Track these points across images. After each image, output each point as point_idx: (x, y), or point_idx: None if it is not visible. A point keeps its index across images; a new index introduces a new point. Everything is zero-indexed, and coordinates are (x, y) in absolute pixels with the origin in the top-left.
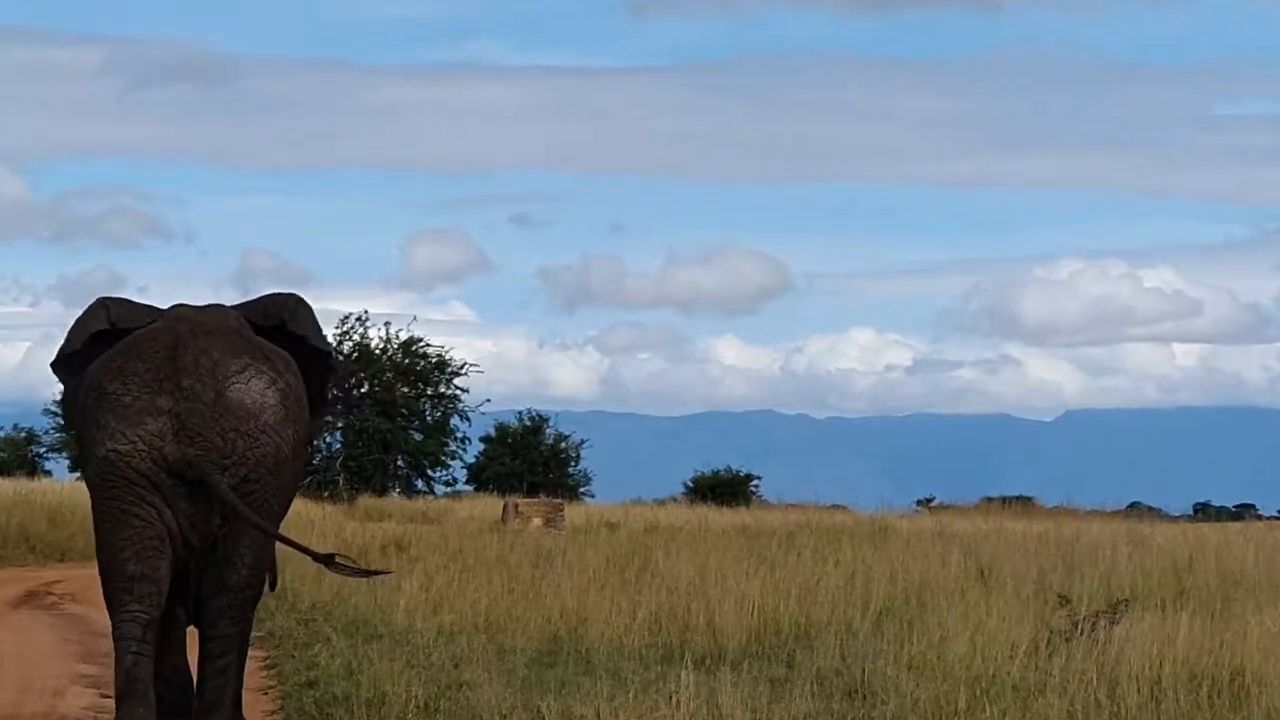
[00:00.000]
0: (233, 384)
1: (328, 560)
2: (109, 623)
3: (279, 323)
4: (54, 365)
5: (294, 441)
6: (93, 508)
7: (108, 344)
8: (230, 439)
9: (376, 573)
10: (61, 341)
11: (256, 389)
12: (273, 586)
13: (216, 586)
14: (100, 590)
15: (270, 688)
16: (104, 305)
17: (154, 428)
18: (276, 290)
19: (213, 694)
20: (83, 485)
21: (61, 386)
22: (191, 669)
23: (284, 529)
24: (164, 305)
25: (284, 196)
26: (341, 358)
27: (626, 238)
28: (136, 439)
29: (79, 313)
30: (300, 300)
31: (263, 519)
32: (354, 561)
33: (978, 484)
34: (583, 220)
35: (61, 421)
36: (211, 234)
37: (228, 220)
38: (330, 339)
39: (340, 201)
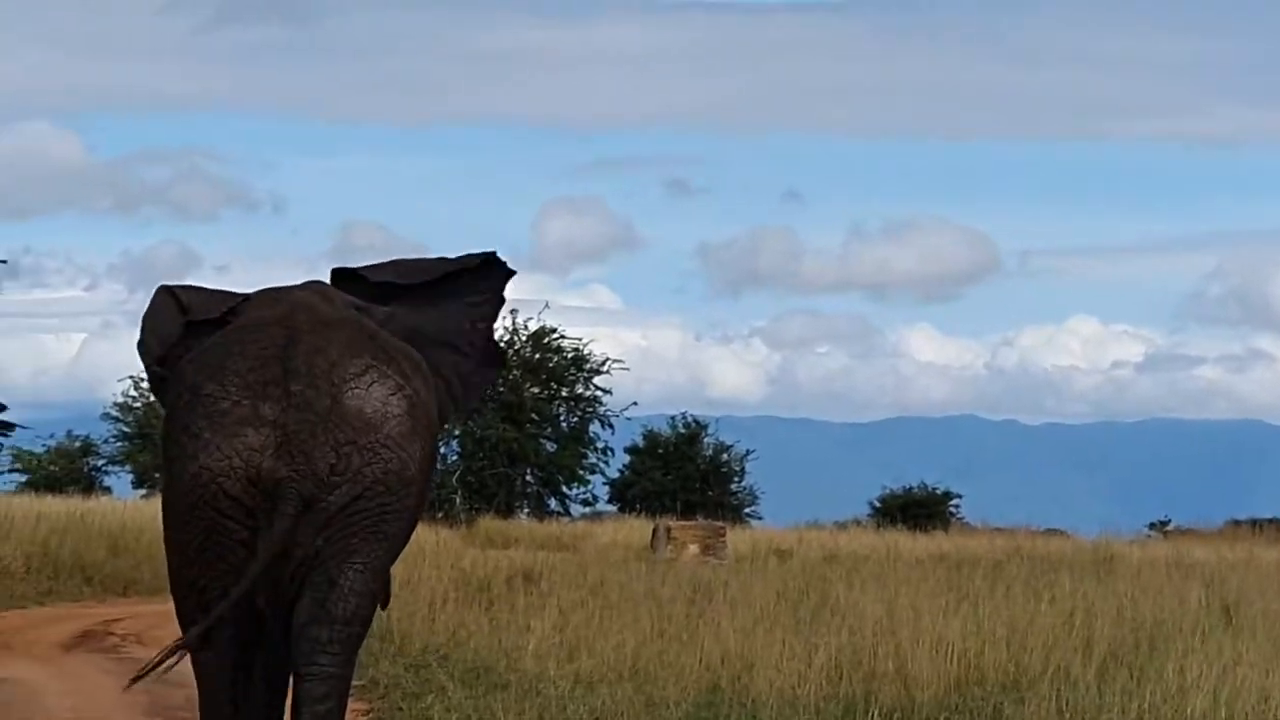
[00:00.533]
0: (351, 389)
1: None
2: (179, 667)
3: (438, 268)
4: (149, 370)
5: (420, 459)
6: (168, 531)
7: (194, 338)
8: (345, 454)
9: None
10: (137, 342)
11: (378, 395)
12: (383, 605)
13: (316, 615)
14: (171, 630)
15: None
16: (169, 293)
17: (254, 440)
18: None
19: None
20: (149, 505)
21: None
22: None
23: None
24: (244, 289)
25: (390, 158)
26: None
27: (802, 208)
28: (233, 454)
29: (143, 298)
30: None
31: (379, 543)
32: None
33: (1223, 503)
34: (750, 187)
35: (125, 429)
36: (303, 203)
37: (323, 187)
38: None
39: (457, 165)
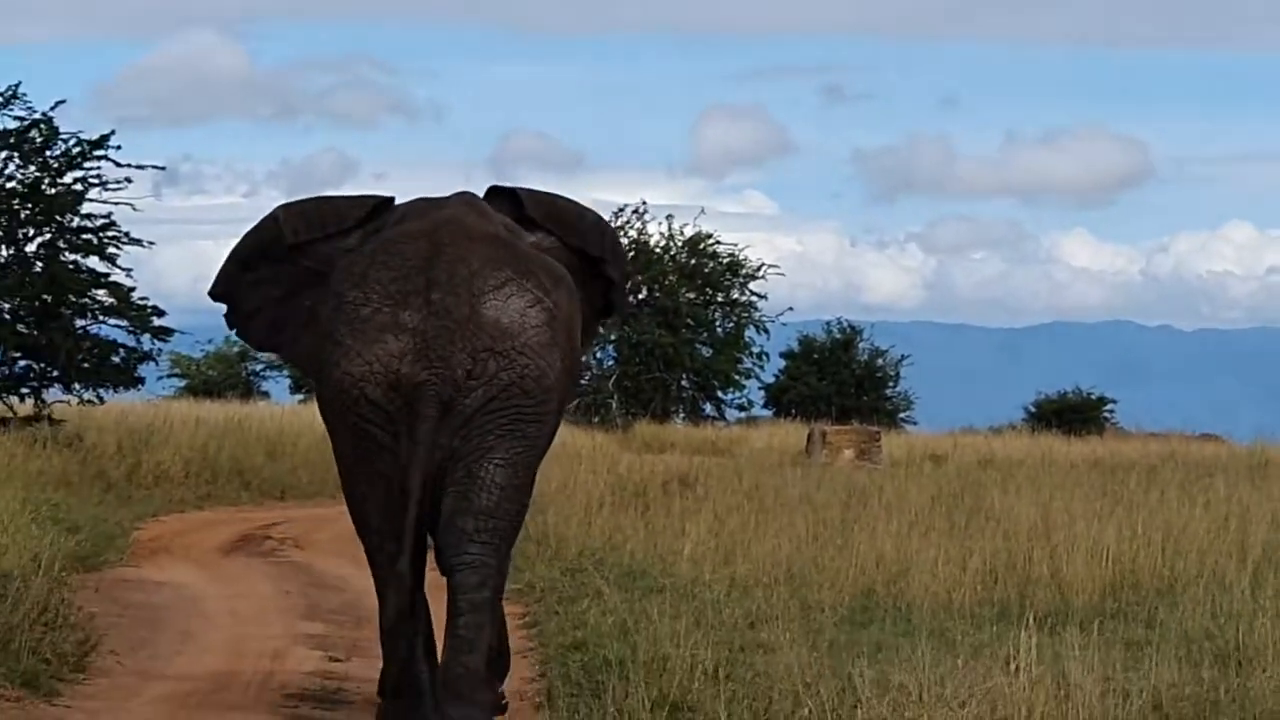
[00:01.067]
0: (490, 299)
1: None
2: (335, 571)
3: (580, 245)
4: (213, 296)
5: (560, 368)
6: (329, 435)
7: (280, 262)
8: (481, 359)
9: None
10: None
11: (516, 307)
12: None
13: (460, 506)
14: (328, 534)
15: (530, 650)
16: (274, 220)
17: (394, 347)
18: (548, 188)
19: (467, 630)
20: (306, 410)
21: (228, 314)
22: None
23: (547, 461)
24: (397, 195)
25: (550, 66)
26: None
27: (958, 114)
28: (373, 359)
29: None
30: (607, 224)
31: (517, 442)
32: None
33: None
34: (906, 93)
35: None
36: (463, 111)
37: (483, 95)
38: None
39: (615, 73)
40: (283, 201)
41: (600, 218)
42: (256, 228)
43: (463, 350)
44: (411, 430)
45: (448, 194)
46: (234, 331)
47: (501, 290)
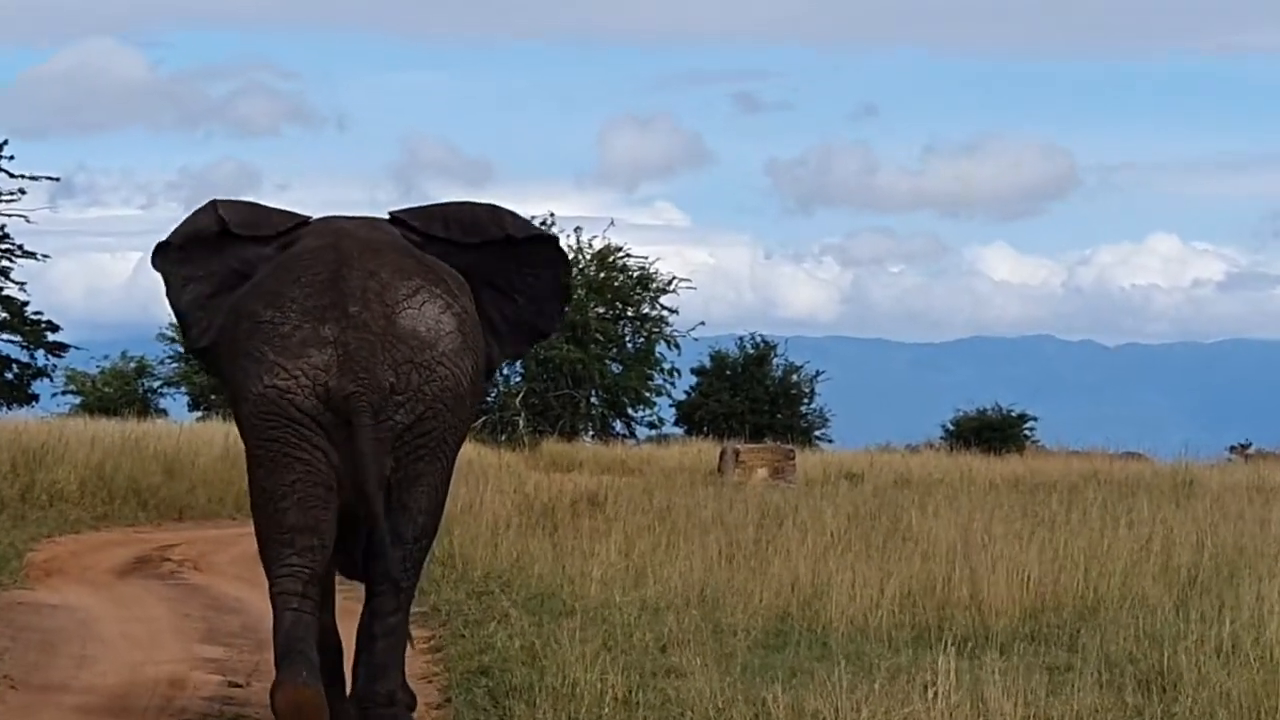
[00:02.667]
0: (404, 309)
1: None
2: (235, 593)
3: (497, 236)
4: (154, 256)
5: (472, 373)
6: (247, 452)
7: (211, 252)
8: (404, 372)
9: None
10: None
11: (430, 314)
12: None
13: (390, 537)
14: (227, 556)
15: (435, 675)
16: (213, 205)
17: (318, 360)
18: (454, 198)
19: (382, 655)
20: (205, 428)
21: (164, 279)
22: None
23: (453, 480)
24: (305, 207)
25: (455, 74)
26: None
27: (877, 122)
28: (299, 373)
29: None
30: (504, 209)
31: (440, 460)
32: None
33: None
34: (823, 101)
35: (181, 349)
36: (366, 119)
37: (387, 103)
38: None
39: (522, 80)
40: (180, 213)
41: (493, 206)
42: (192, 216)
43: (384, 362)
44: (354, 442)
45: (349, 216)
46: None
47: (414, 299)
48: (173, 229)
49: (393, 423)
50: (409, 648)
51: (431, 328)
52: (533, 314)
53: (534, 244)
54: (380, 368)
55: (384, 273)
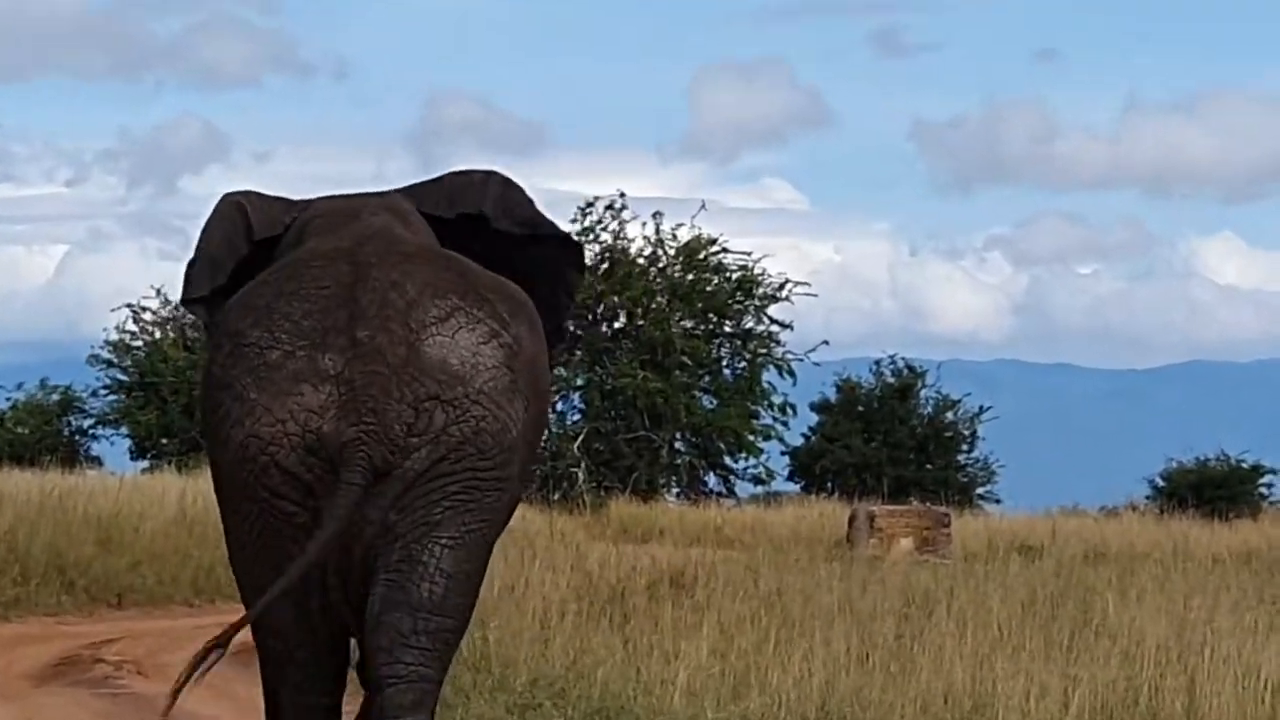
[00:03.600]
0: (433, 335)
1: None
2: (196, 708)
3: (473, 213)
4: (189, 302)
5: (524, 421)
6: (222, 515)
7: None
8: (425, 411)
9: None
10: (186, 265)
11: (467, 344)
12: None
13: (395, 600)
14: (183, 657)
15: None
16: (240, 208)
17: (312, 401)
18: (468, 169)
19: None
20: (153, 482)
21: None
22: None
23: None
24: (295, 182)
25: (493, 5)
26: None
27: (1058, 71)
28: (286, 417)
29: (148, 197)
30: (506, 179)
31: (469, 516)
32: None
33: None
34: (987, 43)
35: (120, 376)
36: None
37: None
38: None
39: (584, 15)
40: (119, 192)
41: (495, 175)
42: (220, 215)
43: (401, 401)
44: (328, 499)
45: (363, 191)
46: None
47: (447, 323)
48: (197, 254)
49: (403, 470)
50: None
51: (468, 359)
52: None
53: (532, 245)
54: (393, 408)
55: (411, 285)
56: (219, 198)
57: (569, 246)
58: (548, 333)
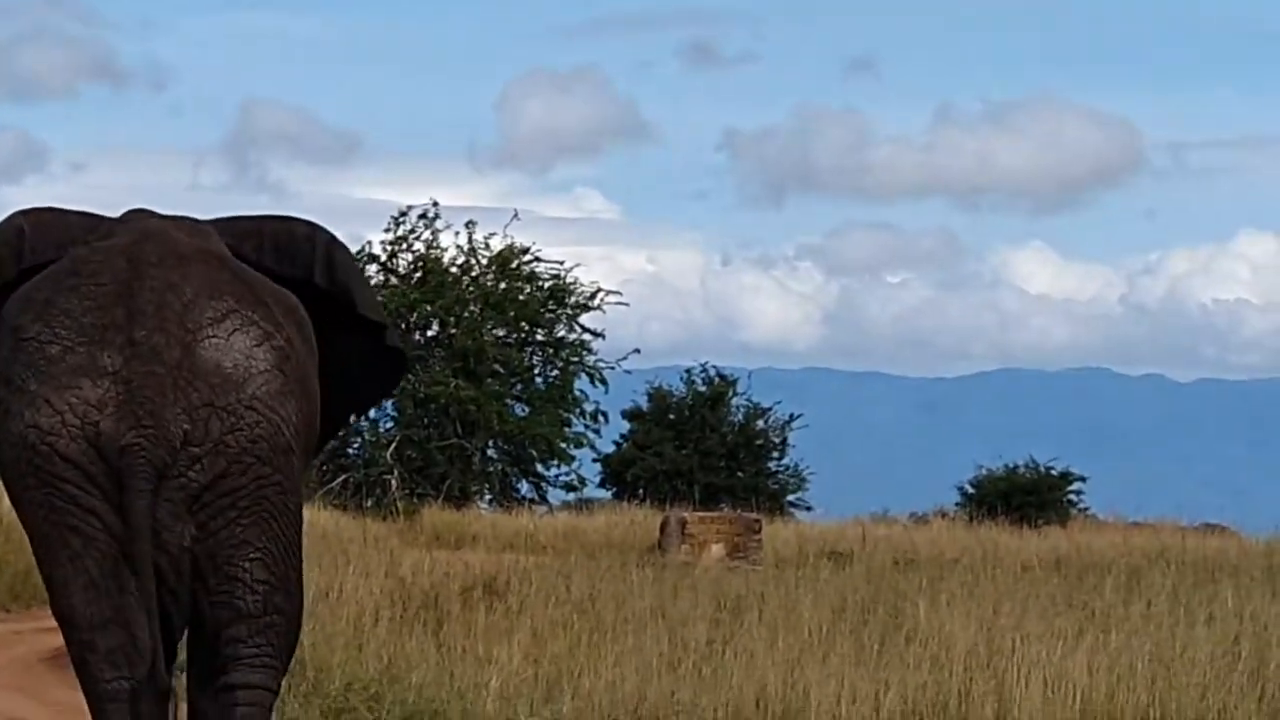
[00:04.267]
0: (208, 337)
1: None
2: (12, 712)
3: (304, 275)
4: None
5: (296, 422)
6: (15, 511)
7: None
8: (200, 418)
9: None
10: None
11: (241, 346)
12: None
13: (227, 617)
14: (6, 661)
15: None
16: (19, 231)
17: (90, 394)
18: (307, 179)
19: None
20: None
21: None
22: None
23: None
24: (104, 193)
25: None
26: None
27: (871, 81)
28: (65, 409)
29: None
30: (333, 240)
31: (269, 522)
32: None
33: None
34: (800, 52)
35: None
36: (191, 76)
37: (218, 54)
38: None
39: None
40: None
41: (322, 234)
42: None
43: (176, 404)
44: (125, 511)
45: (162, 214)
46: None
47: (222, 324)
48: None
49: (185, 480)
50: None
51: (240, 363)
52: (339, 384)
53: (350, 319)
54: (169, 411)
55: (188, 288)
56: (6, 215)
57: (380, 331)
58: (357, 403)
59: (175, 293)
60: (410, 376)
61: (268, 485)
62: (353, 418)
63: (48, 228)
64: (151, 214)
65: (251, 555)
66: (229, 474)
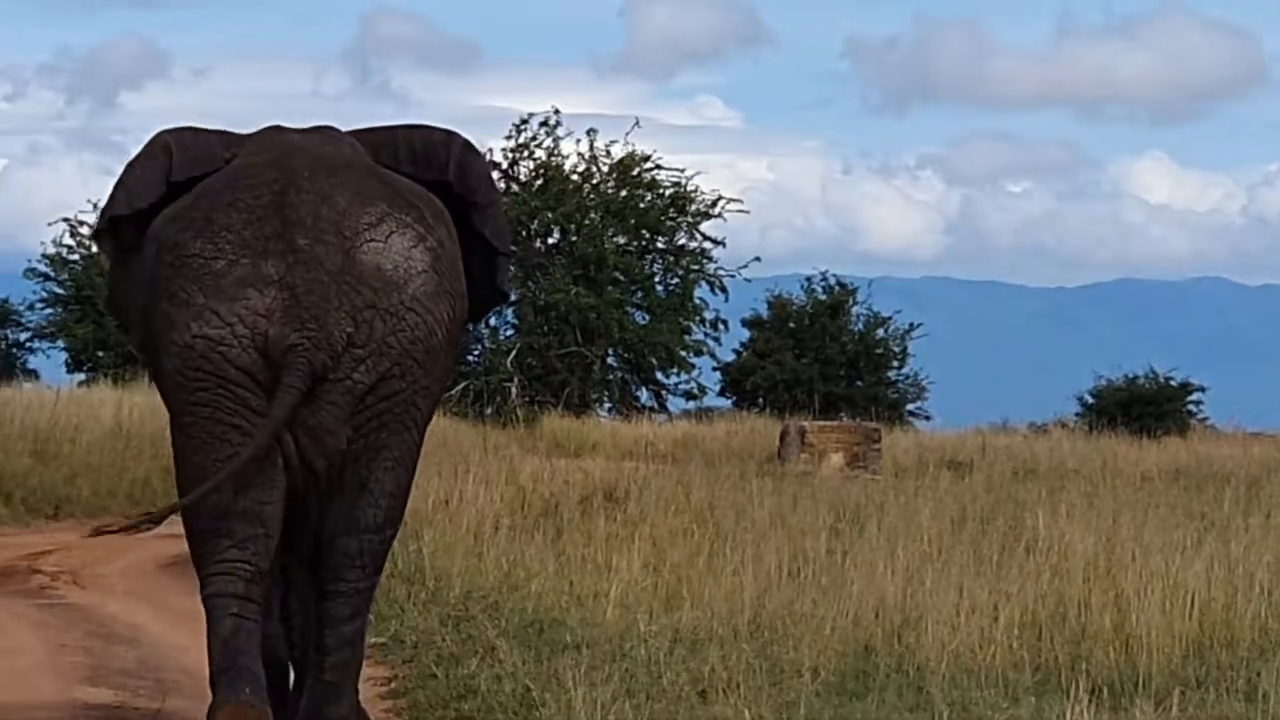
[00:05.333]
0: (367, 242)
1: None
2: (129, 618)
3: (439, 178)
4: (97, 235)
5: (449, 321)
6: (171, 420)
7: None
8: (365, 320)
9: (145, 521)
10: (108, 192)
11: (399, 249)
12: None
13: (345, 526)
14: (119, 566)
15: None
16: (165, 148)
17: (258, 303)
18: (429, 86)
19: (334, 673)
20: (89, 395)
21: (105, 261)
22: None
23: (421, 470)
24: (226, 101)
25: None
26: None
27: None
28: (235, 320)
29: (87, 111)
30: (468, 145)
31: (410, 431)
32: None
33: None
34: None
35: (57, 289)
36: None
37: None
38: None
39: None
40: (58, 106)
41: (458, 140)
42: (147, 154)
43: (339, 309)
44: (273, 407)
45: (300, 127)
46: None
47: (378, 228)
48: (124, 181)
49: (350, 383)
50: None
51: (400, 265)
52: (480, 277)
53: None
54: (334, 315)
55: (341, 197)
56: (153, 134)
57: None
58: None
59: (329, 203)
60: (531, 285)
61: (419, 391)
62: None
63: (190, 146)
64: (287, 129)
65: (386, 464)
66: (390, 375)
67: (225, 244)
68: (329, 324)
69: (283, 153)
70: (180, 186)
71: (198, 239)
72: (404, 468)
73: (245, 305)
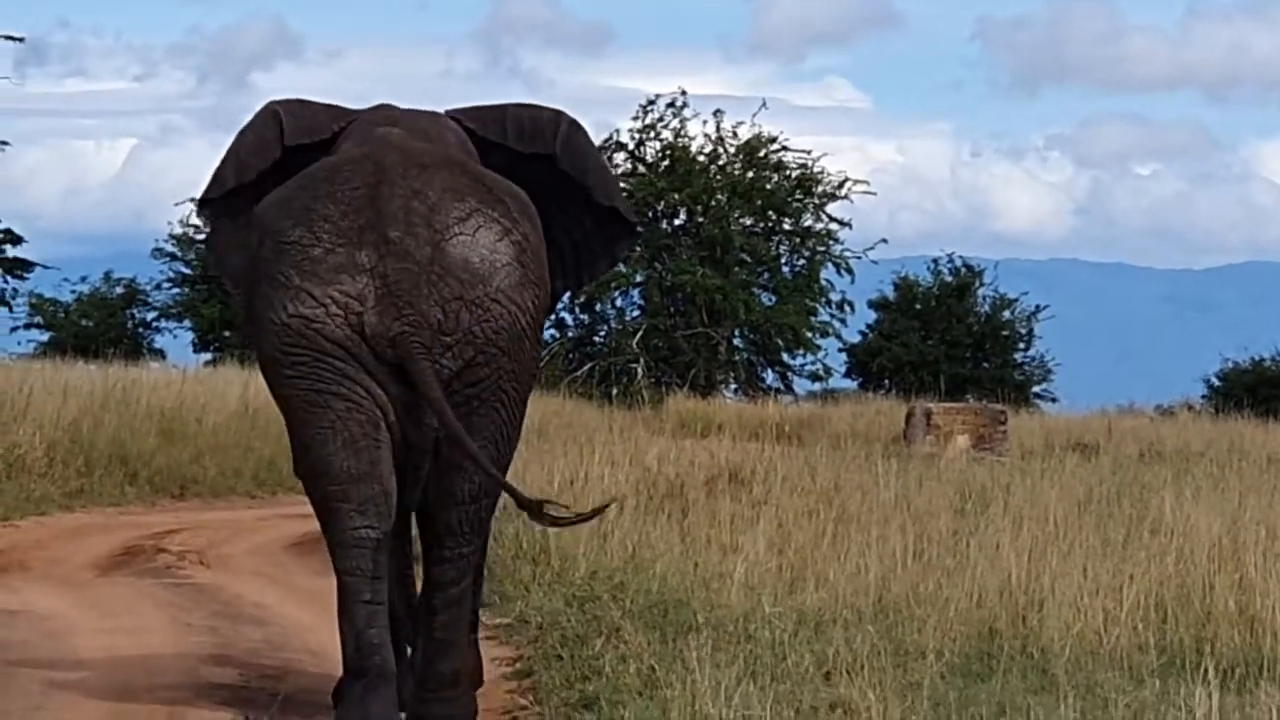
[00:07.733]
0: (455, 236)
1: (534, 509)
2: (255, 597)
3: (546, 152)
4: (202, 204)
5: (533, 310)
6: (277, 398)
7: (282, 172)
8: (452, 310)
9: (596, 514)
10: (215, 166)
11: (485, 243)
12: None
13: (443, 499)
14: (245, 546)
15: (523, 709)
16: (275, 115)
17: (351, 288)
18: (559, 68)
19: (444, 631)
20: (216, 375)
21: (208, 230)
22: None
23: (548, 453)
24: (358, 82)
25: None
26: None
27: None
28: (329, 300)
29: (218, 92)
30: (574, 123)
31: (499, 411)
32: (568, 509)
33: None
34: None
35: (185, 270)
36: None
37: None
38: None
39: None
40: (189, 87)
41: (565, 119)
42: (256, 123)
43: (430, 298)
44: (417, 387)
45: (405, 110)
46: (211, 262)
47: (467, 223)
48: (231, 155)
49: (439, 367)
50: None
51: (486, 258)
52: (575, 257)
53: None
54: (424, 305)
55: (431, 192)
56: (262, 104)
57: (618, 221)
58: (567, 285)
59: (420, 198)
60: (658, 266)
61: (505, 375)
62: (577, 288)
63: (299, 115)
64: (395, 109)
65: (480, 441)
66: (475, 362)
67: (323, 233)
68: (424, 310)
69: (379, 147)
70: (291, 153)
71: (297, 227)
72: (495, 444)
73: (339, 289)
